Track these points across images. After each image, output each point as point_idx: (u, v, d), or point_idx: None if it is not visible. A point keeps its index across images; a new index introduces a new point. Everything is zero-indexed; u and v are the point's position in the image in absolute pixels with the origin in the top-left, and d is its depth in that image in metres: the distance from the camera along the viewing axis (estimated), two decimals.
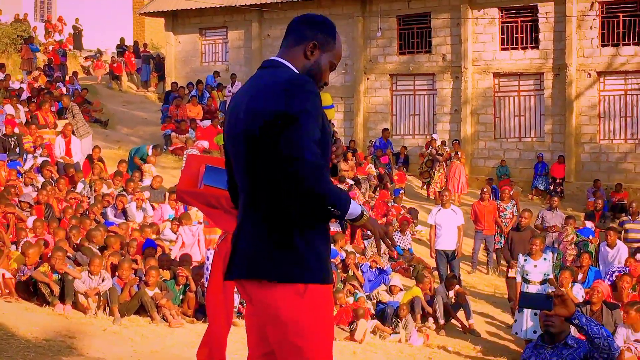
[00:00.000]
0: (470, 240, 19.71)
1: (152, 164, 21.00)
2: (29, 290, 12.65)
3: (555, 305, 5.46)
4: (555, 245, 17.91)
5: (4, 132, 20.10)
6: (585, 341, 5.78)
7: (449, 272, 16.59)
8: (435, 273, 17.19)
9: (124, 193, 18.09)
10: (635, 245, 18.21)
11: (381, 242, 4.05)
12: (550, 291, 13.21)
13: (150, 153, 21.34)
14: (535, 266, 13.77)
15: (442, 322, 15.02)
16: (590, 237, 18.23)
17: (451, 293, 15.41)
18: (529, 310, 13.17)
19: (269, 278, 3.85)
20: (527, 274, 13.70)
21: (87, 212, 16.57)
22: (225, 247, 4.88)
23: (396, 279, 16.14)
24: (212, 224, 11.71)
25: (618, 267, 15.20)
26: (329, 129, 3.96)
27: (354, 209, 3.83)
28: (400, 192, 24.06)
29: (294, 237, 3.82)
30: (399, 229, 20.06)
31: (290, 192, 3.76)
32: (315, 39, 4.06)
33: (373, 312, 14.69)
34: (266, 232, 3.87)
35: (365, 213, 3.89)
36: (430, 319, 15.06)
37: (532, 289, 13.38)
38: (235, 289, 11.86)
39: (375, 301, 15.37)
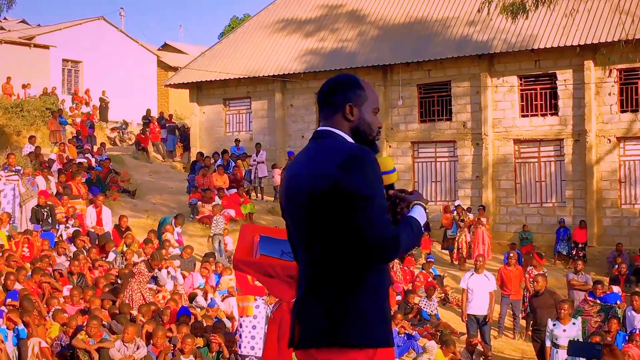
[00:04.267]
0: (498, 306, 19.82)
1: (170, 232, 21.30)
2: (67, 359, 12.95)
3: (604, 355, 5.49)
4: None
5: (37, 204, 20.55)
6: None
7: (479, 337, 16.71)
8: (463, 338, 17.31)
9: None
10: None
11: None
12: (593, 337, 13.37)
13: (172, 223, 21.72)
14: (565, 330, 13.88)
15: None
16: (618, 302, 18.30)
17: (475, 356, 15.55)
18: None
19: (340, 344, 3.83)
20: (556, 339, 13.80)
21: (120, 281, 16.87)
22: (280, 315, 5.09)
23: (431, 343, 16.10)
24: (245, 291, 12.00)
25: (634, 328, 15.40)
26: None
27: (422, 222, 3.97)
28: (431, 259, 24.31)
29: (361, 302, 3.85)
30: (425, 295, 20.25)
31: (363, 261, 3.84)
32: (349, 101, 4.05)
33: None
34: (333, 299, 3.87)
35: (426, 210, 4.03)
36: None
37: (562, 354, 13.48)
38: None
39: None
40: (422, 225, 3.96)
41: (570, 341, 8.43)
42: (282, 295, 5.14)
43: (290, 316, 4.92)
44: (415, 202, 4.03)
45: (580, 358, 12.02)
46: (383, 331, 3.90)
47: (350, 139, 4.04)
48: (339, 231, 3.83)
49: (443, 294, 22.13)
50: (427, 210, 4.03)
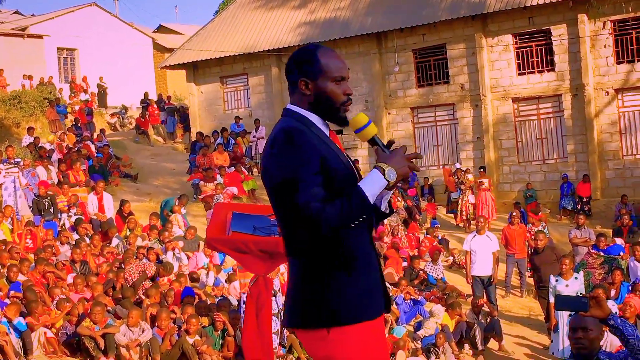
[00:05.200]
0: (504, 265, 19.85)
1: (178, 213, 21.40)
2: (73, 347, 13.03)
3: (591, 307, 5.47)
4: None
5: (38, 194, 20.59)
6: (616, 354, 5.97)
7: (485, 298, 16.75)
8: (470, 300, 17.35)
9: (154, 246, 18.43)
10: None
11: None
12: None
13: (177, 204, 21.79)
14: (567, 286, 13.94)
15: (481, 347, 15.19)
16: (621, 253, 18.30)
17: (481, 317, 15.63)
18: (566, 329, 13.33)
19: (296, 326, 3.99)
20: (559, 294, 13.84)
21: (123, 266, 16.93)
22: (256, 290, 5.11)
23: (438, 307, 16.15)
24: (245, 268, 12.04)
25: (637, 278, 15.41)
26: (334, 160, 3.94)
27: (376, 188, 3.83)
28: (437, 224, 24.34)
29: (315, 282, 3.89)
30: (431, 260, 20.30)
31: (306, 238, 3.88)
32: (302, 76, 4.05)
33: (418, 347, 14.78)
34: (295, 280, 3.97)
35: (389, 176, 3.85)
36: (466, 345, 15.25)
37: None
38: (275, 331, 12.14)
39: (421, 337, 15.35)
40: (374, 190, 3.83)
41: (556, 295, 8.37)
42: (256, 271, 5.16)
43: (265, 291, 4.95)
44: (376, 164, 3.93)
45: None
46: (337, 309, 3.87)
47: (310, 114, 4.04)
48: (281, 212, 3.91)
49: (451, 258, 22.18)
50: (386, 173, 3.86)
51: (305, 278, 3.92)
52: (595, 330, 5.99)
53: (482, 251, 17.16)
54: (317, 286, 3.88)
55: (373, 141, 4.08)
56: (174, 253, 18.03)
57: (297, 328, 3.99)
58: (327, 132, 4.06)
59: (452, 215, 26.95)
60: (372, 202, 3.80)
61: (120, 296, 14.91)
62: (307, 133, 3.91)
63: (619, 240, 19.81)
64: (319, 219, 3.72)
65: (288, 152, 3.83)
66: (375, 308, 3.97)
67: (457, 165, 27.72)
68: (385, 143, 4.06)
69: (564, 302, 6.10)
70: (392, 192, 4.05)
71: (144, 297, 15.03)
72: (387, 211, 4.09)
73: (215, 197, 22.70)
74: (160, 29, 56.99)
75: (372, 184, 3.84)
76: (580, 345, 6.00)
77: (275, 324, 11.98)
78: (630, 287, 15.18)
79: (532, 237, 18.63)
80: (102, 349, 12.61)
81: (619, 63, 27.04)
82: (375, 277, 4.01)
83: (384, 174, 3.85)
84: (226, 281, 16.90)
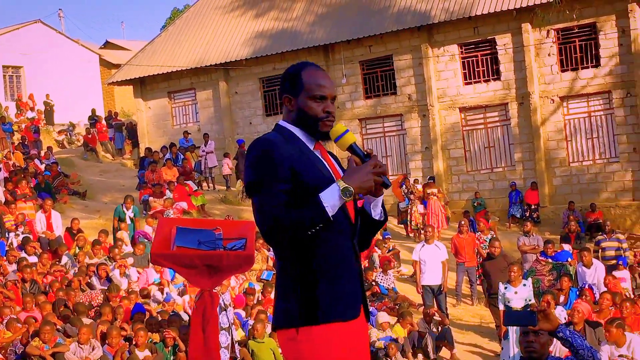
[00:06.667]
0: (454, 274, 19.97)
1: (125, 231, 21.26)
2: None
3: (539, 321, 5.54)
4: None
5: None
6: (567, 358, 6.04)
7: (435, 307, 16.83)
8: (422, 309, 17.42)
9: (105, 262, 18.28)
10: (612, 262, 18.53)
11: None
12: (533, 306, 13.54)
13: (123, 208, 21.69)
14: (516, 292, 14.06)
15: (433, 356, 15.27)
16: (569, 259, 18.53)
17: (432, 326, 15.73)
18: (515, 336, 13.43)
19: (273, 328, 4.20)
20: (508, 301, 13.97)
21: (72, 284, 16.73)
22: (202, 304, 5.09)
23: (383, 315, 16.30)
24: (193, 283, 11.97)
25: (584, 283, 15.65)
26: (310, 170, 4.03)
27: (335, 201, 3.89)
28: (388, 235, 24.33)
29: (289, 283, 4.03)
30: (381, 270, 20.34)
31: (268, 241, 4.04)
32: (286, 93, 4.19)
33: None
34: (276, 284, 4.18)
35: (344, 194, 3.88)
36: (419, 355, 15.31)
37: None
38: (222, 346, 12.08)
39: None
40: (333, 202, 3.88)
41: (505, 311, 8.42)
42: (202, 285, 5.13)
43: (211, 306, 4.95)
44: (339, 180, 3.98)
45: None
46: (306, 309, 3.95)
47: (294, 128, 4.18)
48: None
49: (403, 269, 22.26)
50: (341, 191, 3.89)
51: (282, 282, 4.09)
52: (546, 335, 6.04)
53: (431, 260, 17.25)
54: (289, 288, 4.03)
55: (352, 149, 4.15)
56: (120, 271, 17.87)
57: (274, 330, 4.16)
58: (311, 146, 4.17)
59: (402, 226, 27.03)
60: (332, 213, 3.89)
61: (70, 314, 14.71)
62: (278, 143, 4.03)
63: (567, 247, 20.05)
64: (275, 223, 3.88)
65: (256, 159, 4.01)
66: (345, 311, 4.02)
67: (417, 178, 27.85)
68: (365, 153, 4.16)
69: (512, 317, 6.17)
70: (381, 198, 4.15)
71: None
72: (382, 219, 4.17)
73: (165, 213, 22.57)
74: (107, 45, 56.63)
75: (332, 196, 3.93)
76: (531, 349, 6.05)
77: (226, 339, 11.95)
78: (578, 293, 15.36)
79: (483, 244, 18.83)
80: None
81: (563, 71, 27.42)
82: (349, 281, 4.06)
83: (339, 192, 3.92)
84: (179, 295, 16.81)
